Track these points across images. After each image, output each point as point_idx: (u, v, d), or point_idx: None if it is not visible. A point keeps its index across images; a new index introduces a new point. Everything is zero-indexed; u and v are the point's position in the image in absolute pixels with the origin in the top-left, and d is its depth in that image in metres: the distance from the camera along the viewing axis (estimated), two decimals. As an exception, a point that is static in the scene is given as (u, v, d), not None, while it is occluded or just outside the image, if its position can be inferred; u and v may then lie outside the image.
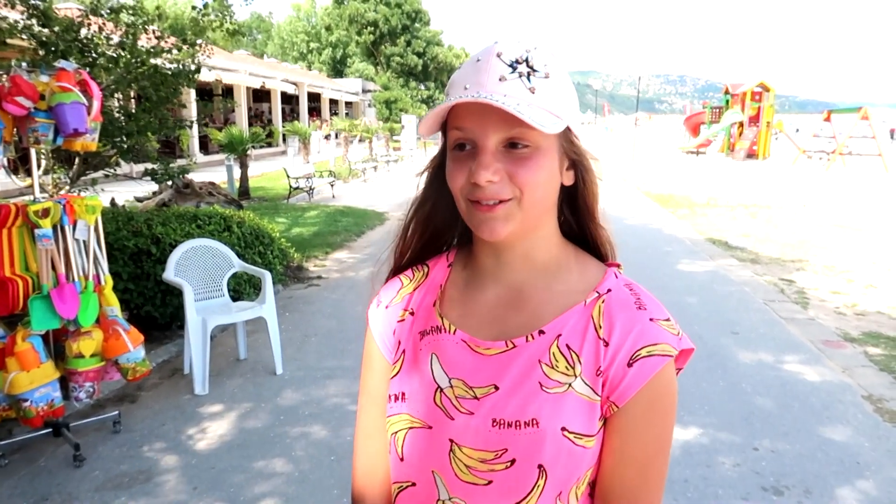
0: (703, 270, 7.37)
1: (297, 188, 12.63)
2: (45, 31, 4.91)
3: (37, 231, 2.99)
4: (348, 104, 39.39)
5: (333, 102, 37.15)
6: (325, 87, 34.10)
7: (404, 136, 25.47)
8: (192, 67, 5.82)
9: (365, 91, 40.94)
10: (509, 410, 0.79)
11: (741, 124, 26.84)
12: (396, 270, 0.98)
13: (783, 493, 2.95)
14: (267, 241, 5.87)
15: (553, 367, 0.79)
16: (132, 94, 6.28)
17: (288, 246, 6.70)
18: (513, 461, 0.78)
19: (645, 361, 0.77)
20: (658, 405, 0.78)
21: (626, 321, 0.79)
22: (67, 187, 5.45)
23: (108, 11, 5.38)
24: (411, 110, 35.11)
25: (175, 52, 5.80)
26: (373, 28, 46.50)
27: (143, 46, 5.50)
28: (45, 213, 2.99)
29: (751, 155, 26.03)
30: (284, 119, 28.24)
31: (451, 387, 0.83)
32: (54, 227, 3.04)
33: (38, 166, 3.59)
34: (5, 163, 3.11)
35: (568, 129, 0.80)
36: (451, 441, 0.81)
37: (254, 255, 5.56)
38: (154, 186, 8.50)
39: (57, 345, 3.22)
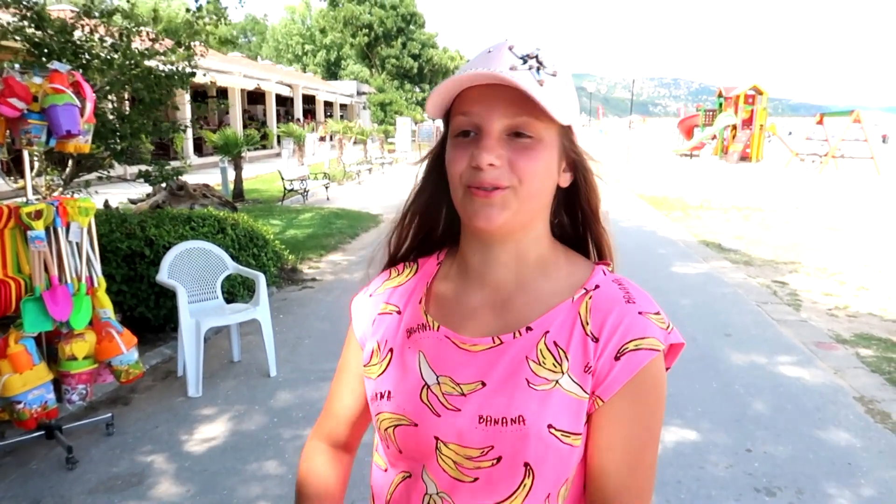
0: (696, 272, 7.40)
1: (291, 190, 12.61)
2: (39, 32, 4.89)
3: (29, 233, 2.98)
4: (343, 106, 39.35)
5: (328, 105, 37.12)
6: (320, 90, 34.07)
7: (399, 139, 25.49)
8: (188, 71, 5.81)
9: (360, 93, 40.91)
10: (495, 407, 0.79)
11: (734, 127, 26.95)
12: (391, 262, 0.99)
13: (775, 494, 2.97)
14: (261, 244, 5.87)
15: (540, 364, 0.80)
16: (126, 96, 6.27)
17: (282, 248, 6.68)
18: (499, 458, 0.78)
19: (632, 355, 0.77)
20: (645, 399, 0.78)
21: (615, 315, 0.79)
22: (60, 189, 5.43)
23: (101, 14, 5.37)
24: (406, 113, 35.10)
25: (170, 54, 5.79)
26: (367, 30, 46.47)
27: (136, 48, 5.49)
28: (38, 214, 2.98)
29: (744, 158, 26.12)
30: (279, 121, 28.20)
31: (439, 384, 0.83)
32: (47, 229, 3.03)
33: (31, 168, 3.57)
34: (-1, 165, 3.10)
35: (570, 128, 0.81)
36: (437, 438, 0.81)
37: (248, 257, 5.56)
38: (148, 188, 8.47)
39: (49, 347, 3.21)
